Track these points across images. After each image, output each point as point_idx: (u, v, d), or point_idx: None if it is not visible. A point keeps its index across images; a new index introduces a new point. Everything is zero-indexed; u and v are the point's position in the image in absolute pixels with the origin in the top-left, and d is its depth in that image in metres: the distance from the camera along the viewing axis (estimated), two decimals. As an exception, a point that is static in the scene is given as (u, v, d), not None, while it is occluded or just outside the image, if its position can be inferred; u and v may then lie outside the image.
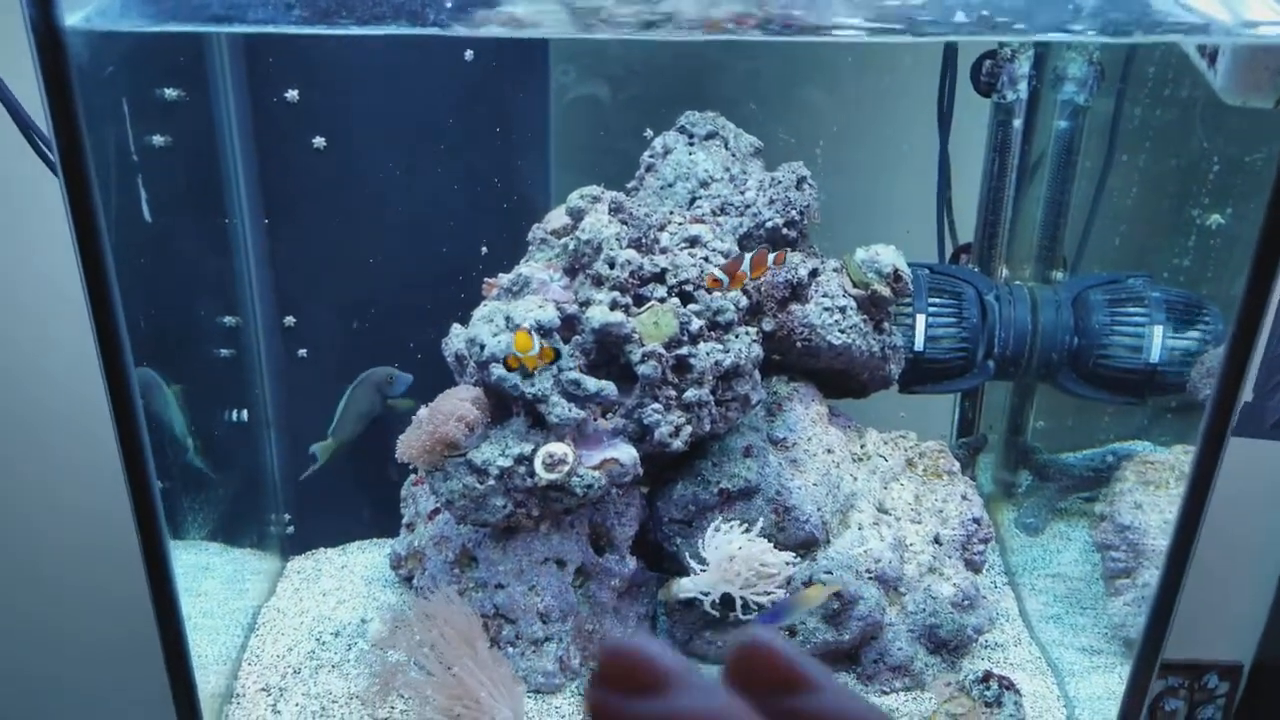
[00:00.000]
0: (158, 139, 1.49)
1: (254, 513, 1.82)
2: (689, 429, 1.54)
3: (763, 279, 1.63)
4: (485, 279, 1.66)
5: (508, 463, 1.49)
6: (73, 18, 1.06)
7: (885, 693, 1.58)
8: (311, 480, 1.83)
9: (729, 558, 1.49)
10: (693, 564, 1.53)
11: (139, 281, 1.47)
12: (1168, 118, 1.82)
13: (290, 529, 1.87)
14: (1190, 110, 1.81)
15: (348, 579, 1.82)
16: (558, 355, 1.48)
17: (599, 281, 1.55)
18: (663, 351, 1.51)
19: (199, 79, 1.53)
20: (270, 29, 1.12)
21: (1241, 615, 2.32)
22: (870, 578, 1.58)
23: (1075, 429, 2.03)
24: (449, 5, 1.05)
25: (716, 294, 1.54)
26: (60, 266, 1.26)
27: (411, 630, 1.50)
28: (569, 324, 1.54)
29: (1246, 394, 2.06)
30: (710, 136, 1.78)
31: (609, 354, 1.54)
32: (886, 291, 1.64)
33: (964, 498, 1.70)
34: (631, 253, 1.56)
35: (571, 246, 1.59)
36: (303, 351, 1.75)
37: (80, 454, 1.91)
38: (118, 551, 1.41)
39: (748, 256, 1.49)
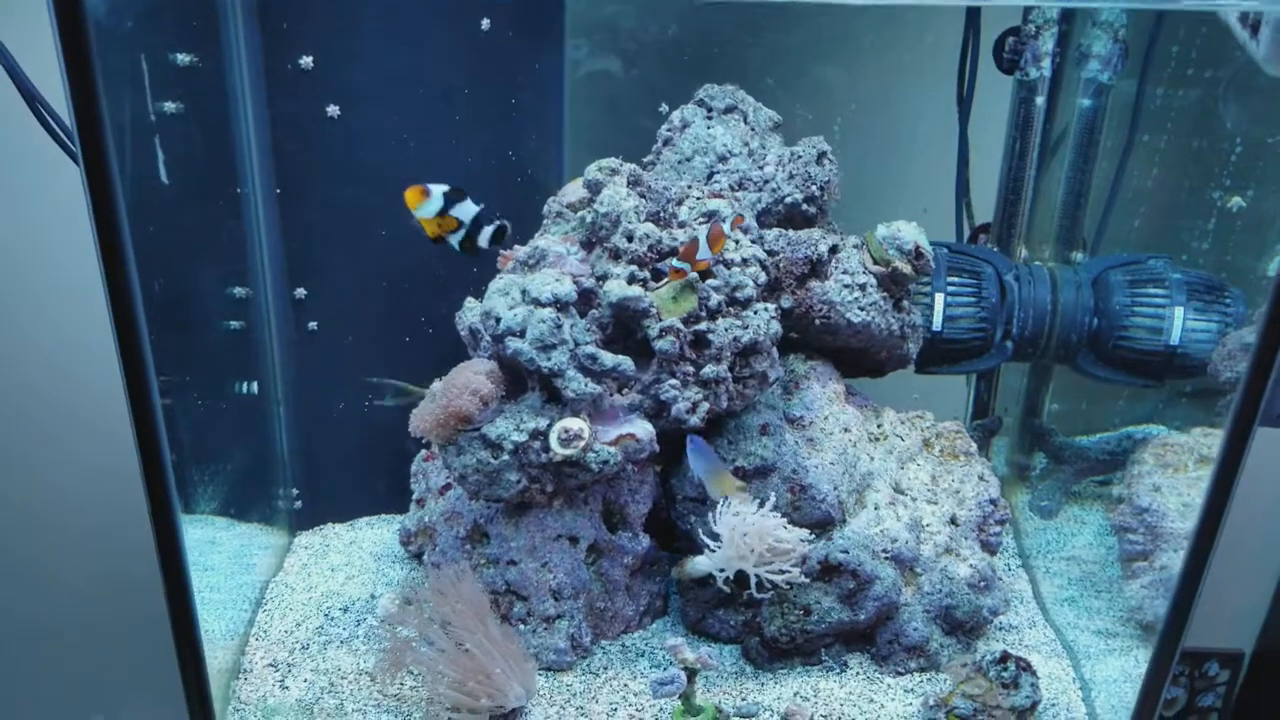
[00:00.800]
0: (170, 105, 1.46)
1: (262, 487, 1.80)
2: (706, 406, 1.52)
3: (781, 256, 1.61)
4: (501, 251, 1.64)
5: (523, 438, 1.47)
6: (88, -27, 1.03)
7: (900, 673, 1.57)
8: (320, 455, 1.82)
9: (743, 534, 1.47)
10: (707, 541, 1.51)
11: (149, 251, 1.44)
12: (1191, 98, 1.80)
13: (298, 504, 1.85)
14: (1213, 90, 1.79)
15: (356, 554, 1.80)
16: (460, 226, 1.41)
17: (616, 255, 1.53)
18: (681, 327, 1.49)
19: (212, 44, 1.50)
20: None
21: (1242, 603, 2.30)
22: (886, 558, 1.56)
23: (1089, 412, 2.01)
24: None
25: (737, 269, 1.52)
26: (71, 246, 1.24)
27: (422, 606, 1.48)
28: (586, 298, 1.52)
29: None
30: (729, 110, 1.76)
31: (626, 329, 1.52)
32: (908, 269, 1.62)
33: (981, 479, 1.69)
34: (650, 226, 1.54)
35: (589, 219, 1.57)
36: (313, 324, 1.73)
37: (92, 429, 1.88)
38: (128, 524, 1.39)
39: (702, 237, 1.46)
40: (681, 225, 1.56)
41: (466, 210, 1.41)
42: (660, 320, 1.49)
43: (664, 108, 1.82)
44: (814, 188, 1.66)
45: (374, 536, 1.85)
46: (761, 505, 1.50)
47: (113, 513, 1.63)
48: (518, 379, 1.54)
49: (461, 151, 1.70)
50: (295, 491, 1.84)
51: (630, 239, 1.53)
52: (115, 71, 1.30)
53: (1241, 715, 2.41)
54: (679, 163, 1.72)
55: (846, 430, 1.64)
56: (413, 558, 1.76)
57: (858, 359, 1.71)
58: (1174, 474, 1.65)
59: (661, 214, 1.56)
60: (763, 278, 1.55)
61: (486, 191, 1.74)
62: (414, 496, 1.76)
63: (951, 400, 2.05)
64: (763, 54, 1.94)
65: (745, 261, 1.54)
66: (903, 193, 2.01)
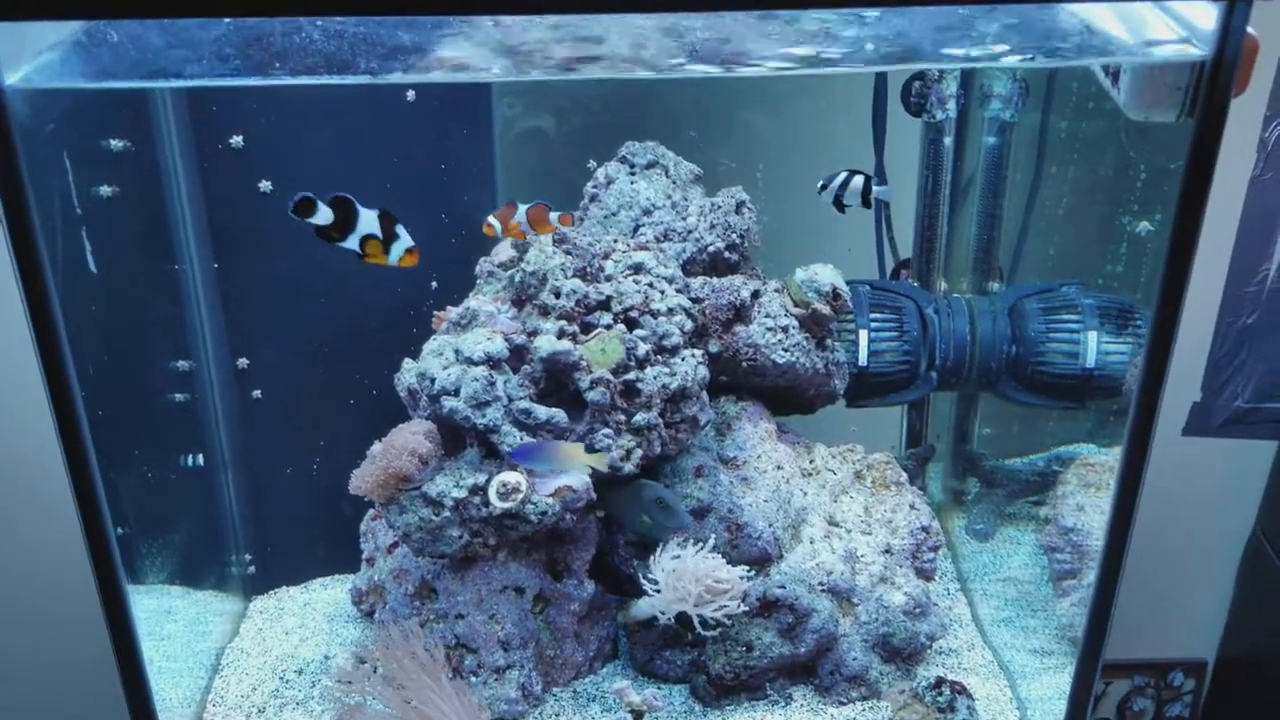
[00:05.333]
0: (105, 189, 1.51)
1: (215, 555, 1.83)
2: (639, 452, 1.57)
3: (707, 303, 1.67)
4: (435, 313, 1.69)
5: (462, 494, 1.51)
6: (12, 77, 1.09)
7: (842, 703, 1.61)
8: (271, 520, 1.85)
9: (680, 577, 1.52)
10: (647, 585, 1.55)
11: (90, 330, 1.49)
12: (1094, 129, 1.88)
13: (252, 569, 1.88)
14: (1116, 121, 1.86)
15: (310, 616, 1.83)
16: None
17: (545, 311, 1.59)
18: (610, 377, 1.54)
19: (144, 129, 1.55)
20: (206, 82, 1.15)
21: (1203, 612, 2.36)
22: (823, 590, 1.61)
23: (1022, 435, 2.07)
24: (380, 53, 1.08)
25: (663, 318, 1.58)
26: (9, 318, 1.28)
27: (373, 666, 1.52)
28: (518, 354, 1.57)
29: (1194, 394, 2.12)
30: (651, 165, 1.82)
31: (558, 382, 1.57)
32: (826, 309, 1.68)
33: (912, 507, 1.74)
34: (576, 282, 1.59)
35: (517, 278, 1.63)
36: (257, 392, 1.77)
37: (34, 507, 1.91)
38: (77, 597, 1.42)
39: (523, 208, 1.54)
40: (608, 279, 1.62)
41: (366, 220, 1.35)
42: (590, 372, 1.55)
43: (592, 164, 1.88)
44: (734, 235, 1.72)
45: (328, 597, 1.88)
46: (701, 546, 1.55)
47: (63, 587, 1.66)
48: (456, 436, 1.58)
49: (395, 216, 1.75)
50: (248, 557, 1.87)
51: (558, 295, 1.59)
52: (47, 162, 1.34)
53: (1209, 724, 2.46)
54: (605, 218, 1.78)
55: (779, 467, 1.69)
56: (365, 616, 1.79)
57: (787, 398, 1.77)
58: (1096, 493, 1.71)
59: (588, 269, 1.62)
60: (689, 325, 1.61)
61: (422, 255, 1.80)
62: (364, 555, 1.79)
63: (888, 431, 2.11)
64: (686, 107, 2.00)
65: (671, 311, 1.60)
66: (828, 233, 2.07)
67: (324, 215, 1.32)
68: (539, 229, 1.55)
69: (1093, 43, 1.20)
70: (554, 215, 1.55)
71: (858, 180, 1.62)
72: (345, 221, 1.33)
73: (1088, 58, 1.28)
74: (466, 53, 1.19)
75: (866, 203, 1.61)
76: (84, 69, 1.16)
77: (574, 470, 1.52)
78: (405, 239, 1.36)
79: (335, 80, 1.08)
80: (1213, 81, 1.12)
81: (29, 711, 2.19)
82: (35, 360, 1.18)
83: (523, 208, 1.54)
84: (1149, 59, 1.19)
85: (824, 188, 1.63)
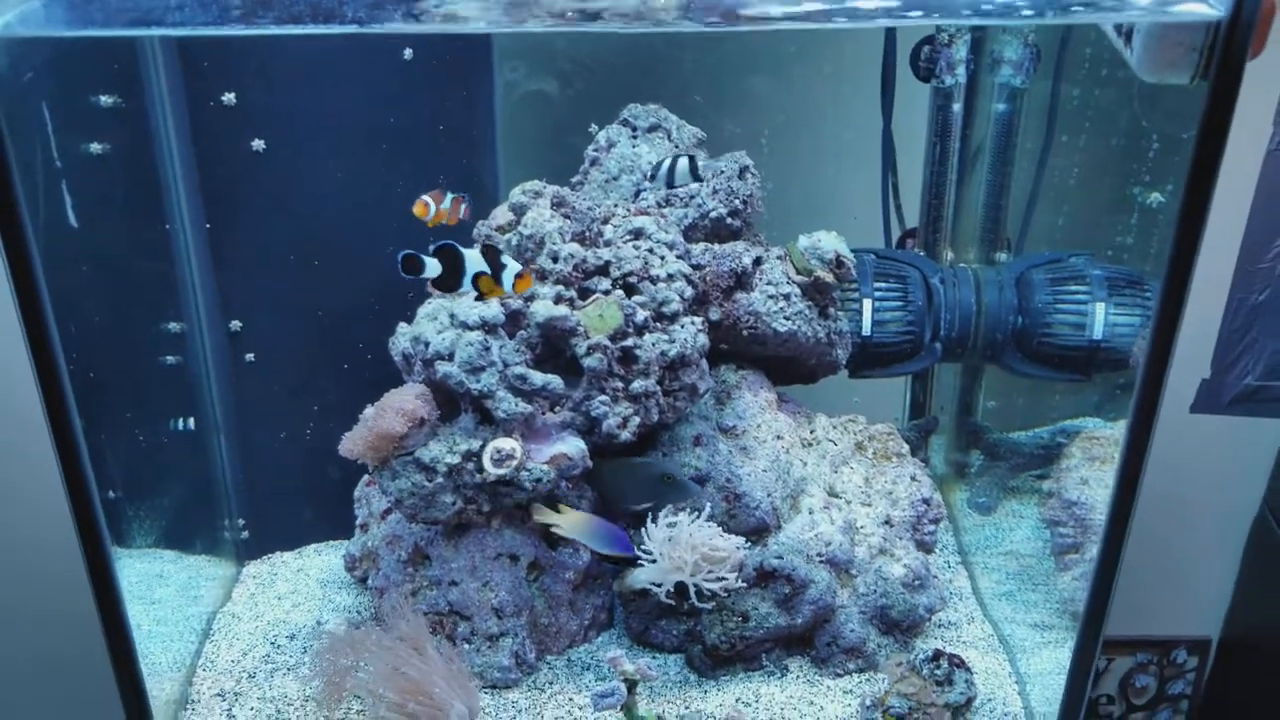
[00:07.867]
0: (95, 146, 1.48)
1: (207, 519, 1.81)
2: (637, 420, 1.54)
3: (708, 270, 1.64)
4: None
5: (455, 459, 1.49)
6: (-7, 24, 1.06)
7: (839, 675, 1.59)
8: (264, 485, 1.83)
9: (677, 545, 1.50)
10: (643, 555, 1.53)
11: (79, 290, 1.46)
12: (1106, 97, 1.84)
13: (245, 534, 1.86)
14: (1128, 89, 1.82)
15: (303, 582, 1.81)
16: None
17: (543, 276, 1.56)
18: (608, 343, 1.52)
19: (135, 85, 1.52)
20: (189, 31, 1.12)
21: (1208, 590, 2.34)
22: (821, 561, 1.59)
23: (1027, 408, 2.05)
24: (367, 1, 1.05)
25: (662, 284, 1.55)
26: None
27: (367, 631, 1.50)
28: (514, 319, 1.54)
29: (1203, 371, 2.09)
30: (653, 129, 1.79)
31: (555, 348, 1.55)
32: (830, 277, 1.65)
33: (913, 479, 1.72)
34: (574, 246, 1.56)
35: (514, 242, 1.60)
36: (250, 355, 1.75)
37: (19, 467, 1.88)
38: (64, 562, 1.40)
39: (449, 197, 1.55)
40: (607, 244, 1.59)
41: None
42: (588, 338, 1.52)
43: (593, 128, 1.85)
44: (737, 201, 1.69)
45: (321, 563, 1.86)
46: (697, 515, 1.53)
47: (50, 551, 1.64)
48: (451, 402, 1.56)
49: (391, 178, 1.72)
50: (241, 522, 1.85)
51: (555, 259, 1.56)
52: (32, 117, 1.32)
53: (1211, 701, 2.44)
54: (606, 182, 1.75)
55: (779, 437, 1.67)
56: (358, 583, 1.77)
57: (788, 367, 1.74)
58: (1101, 466, 1.69)
59: (587, 233, 1.59)
60: (689, 292, 1.58)
61: (418, 219, 1.77)
62: (358, 521, 1.77)
63: (891, 402, 2.08)
64: (691, 71, 1.97)
65: (671, 277, 1.57)
66: (834, 201, 2.04)
67: (432, 268, 1.36)
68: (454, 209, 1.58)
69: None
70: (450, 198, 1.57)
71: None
72: (454, 268, 1.37)
73: (1100, 15, 1.24)
74: (459, 4, 1.15)
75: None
76: (67, 17, 1.13)
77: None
78: (513, 265, 1.39)
79: (321, 30, 1.05)
80: (1228, 42, 1.08)
81: (18, 677, 2.18)
82: (16, 318, 1.16)
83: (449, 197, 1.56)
84: (1163, 17, 1.15)
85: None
